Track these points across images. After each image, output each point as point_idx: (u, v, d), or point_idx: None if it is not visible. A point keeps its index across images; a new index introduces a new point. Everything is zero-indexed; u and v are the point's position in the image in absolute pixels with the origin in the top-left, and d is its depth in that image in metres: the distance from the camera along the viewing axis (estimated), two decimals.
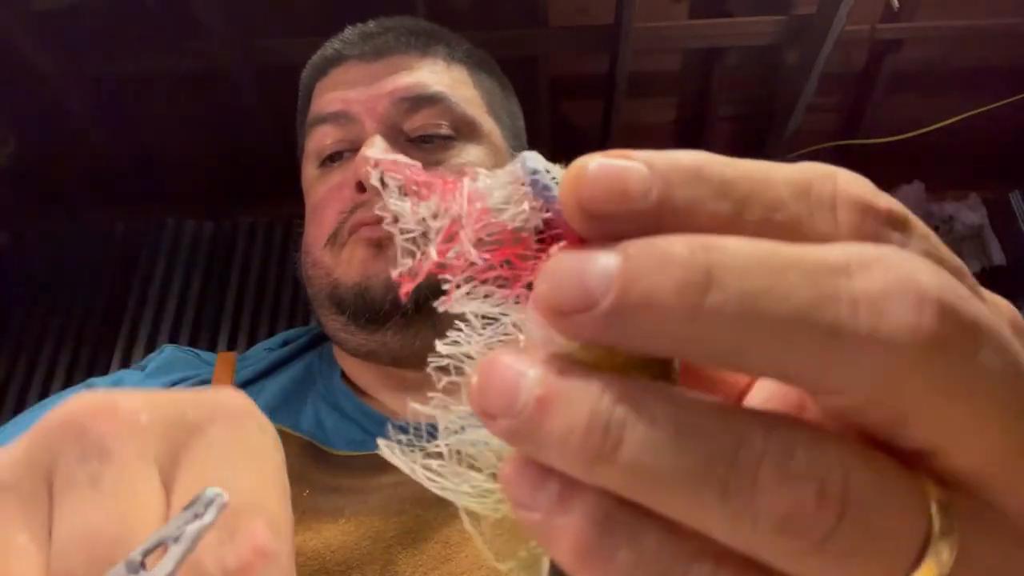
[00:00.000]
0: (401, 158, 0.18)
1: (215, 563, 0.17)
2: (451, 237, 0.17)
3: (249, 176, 2.37)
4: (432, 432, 0.60)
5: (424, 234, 0.17)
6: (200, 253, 2.28)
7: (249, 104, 2.09)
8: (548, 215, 0.16)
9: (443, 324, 0.58)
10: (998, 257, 2.31)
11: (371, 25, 0.66)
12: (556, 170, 0.17)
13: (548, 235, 0.16)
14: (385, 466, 0.53)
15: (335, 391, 0.59)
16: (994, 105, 2.09)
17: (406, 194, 0.18)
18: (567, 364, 0.14)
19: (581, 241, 0.15)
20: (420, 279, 0.17)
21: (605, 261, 0.13)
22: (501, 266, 0.16)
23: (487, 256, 0.16)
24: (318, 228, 0.59)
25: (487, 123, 0.63)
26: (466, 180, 0.17)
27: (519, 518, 0.14)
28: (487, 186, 0.17)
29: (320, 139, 0.61)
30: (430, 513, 0.47)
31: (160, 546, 0.17)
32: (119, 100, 2.11)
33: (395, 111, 0.58)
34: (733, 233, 0.13)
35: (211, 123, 2.24)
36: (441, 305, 0.17)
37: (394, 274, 0.17)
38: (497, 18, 1.89)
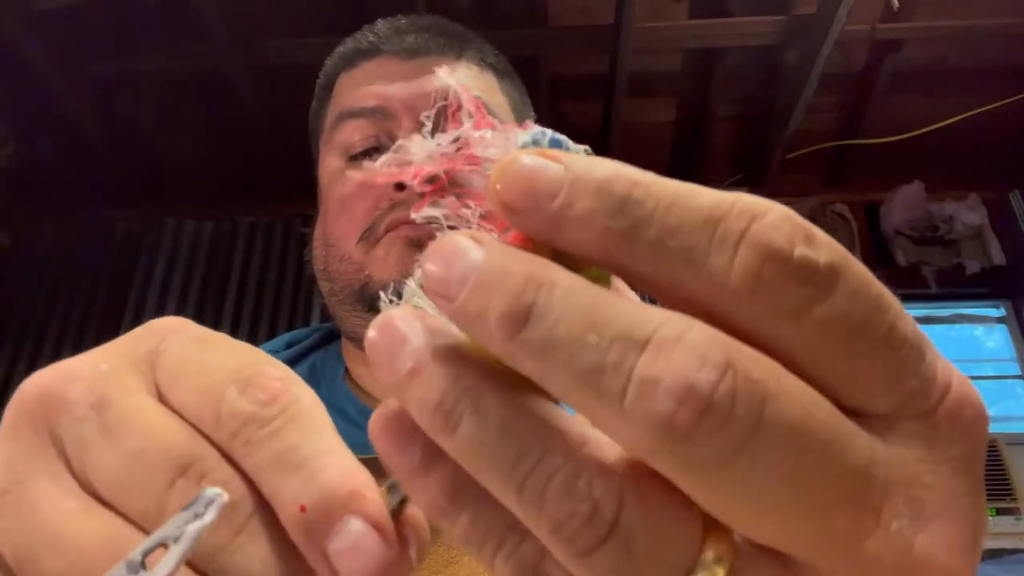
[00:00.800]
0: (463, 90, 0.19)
1: (249, 403, 0.19)
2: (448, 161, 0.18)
3: (249, 176, 2.37)
4: None
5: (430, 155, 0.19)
6: (200, 253, 2.28)
7: (249, 104, 2.09)
8: None
9: None
10: (998, 257, 2.32)
11: (403, 22, 0.65)
12: (573, 146, 0.17)
13: None
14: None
15: (339, 395, 0.59)
16: (994, 105, 2.09)
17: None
18: (445, 342, 0.16)
19: None
20: (404, 178, 0.19)
21: (470, 258, 0.15)
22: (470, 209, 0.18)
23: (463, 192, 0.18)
24: (348, 222, 0.58)
25: None
26: (500, 126, 0.18)
27: (386, 468, 0.17)
28: (492, 137, 0.18)
29: (351, 132, 0.60)
30: None
31: (160, 546, 0.17)
32: (119, 100, 2.12)
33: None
34: (626, 254, 0.15)
35: (211, 123, 2.24)
36: (414, 210, 0.19)
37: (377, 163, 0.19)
38: (497, 18, 1.89)
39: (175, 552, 0.17)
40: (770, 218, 0.15)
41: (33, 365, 2.11)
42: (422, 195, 0.57)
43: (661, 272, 0.15)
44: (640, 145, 2.34)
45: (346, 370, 0.64)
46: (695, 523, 0.15)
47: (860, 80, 2.17)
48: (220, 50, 1.91)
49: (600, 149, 2.69)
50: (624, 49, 1.90)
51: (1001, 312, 2.35)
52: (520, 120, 0.66)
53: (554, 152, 0.16)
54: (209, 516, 0.18)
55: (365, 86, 0.61)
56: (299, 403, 0.19)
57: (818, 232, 0.15)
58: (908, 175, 2.33)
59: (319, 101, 0.68)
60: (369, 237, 0.56)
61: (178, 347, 0.21)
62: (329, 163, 0.62)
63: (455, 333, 0.16)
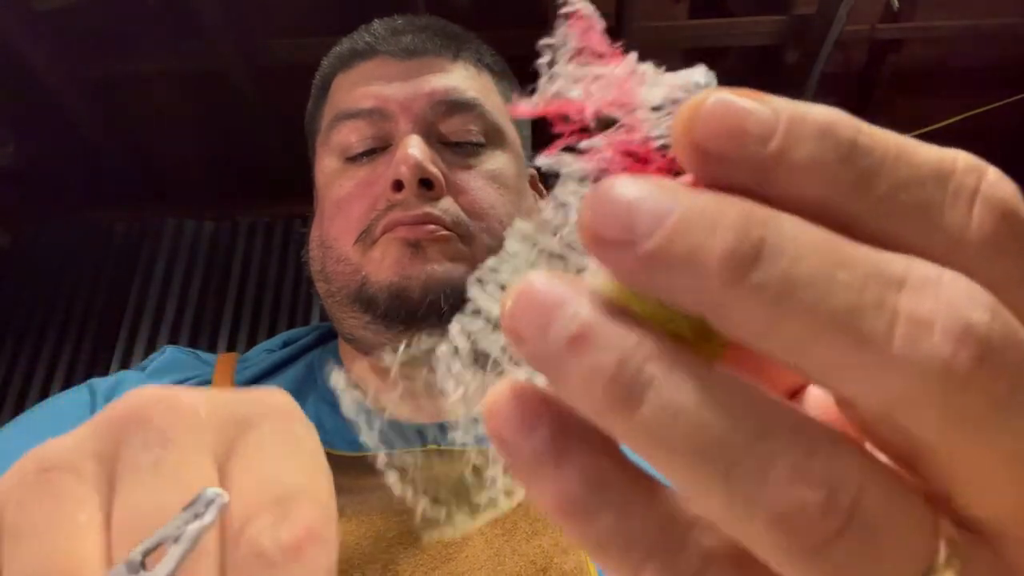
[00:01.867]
0: (587, 8, 0.17)
1: (271, 541, 0.18)
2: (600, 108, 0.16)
3: (249, 176, 2.37)
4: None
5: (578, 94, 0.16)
6: (200, 253, 2.28)
7: (249, 104, 2.09)
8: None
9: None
10: None
11: (399, 22, 0.65)
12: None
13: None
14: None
15: (335, 392, 0.59)
16: (994, 105, 2.09)
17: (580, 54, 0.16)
18: (610, 306, 0.13)
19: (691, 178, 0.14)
20: (550, 109, 0.16)
21: (659, 202, 0.12)
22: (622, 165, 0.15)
23: (617, 143, 0.15)
24: (345, 223, 0.58)
25: (511, 131, 0.63)
26: (642, 66, 0.16)
27: (501, 454, 0.14)
28: (655, 80, 0.15)
29: (348, 134, 0.59)
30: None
31: (160, 546, 0.17)
32: (119, 100, 2.11)
33: (431, 112, 0.58)
34: (853, 205, 0.13)
35: (211, 123, 2.24)
36: (545, 156, 0.16)
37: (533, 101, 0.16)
38: (497, 18, 1.89)
39: (175, 552, 0.17)
40: (994, 176, 0.14)
41: (33, 365, 2.11)
42: (419, 196, 0.57)
43: (891, 227, 0.13)
44: None
45: (344, 370, 0.64)
46: (931, 510, 0.13)
47: (860, 80, 2.17)
48: (220, 50, 1.91)
49: None
50: (624, 49, 1.90)
51: None
52: (518, 122, 0.66)
53: (751, 91, 0.13)
54: (209, 516, 0.18)
55: (362, 87, 0.60)
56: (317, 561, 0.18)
57: None
58: None
59: (315, 102, 0.68)
60: (366, 238, 0.56)
61: (263, 434, 0.20)
62: (326, 164, 0.62)
63: (615, 288, 0.14)
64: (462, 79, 0.61)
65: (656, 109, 0.15)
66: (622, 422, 0.12)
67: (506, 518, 0.46)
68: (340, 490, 0.54)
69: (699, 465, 0.12)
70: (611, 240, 0.13)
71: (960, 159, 0.14)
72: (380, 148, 0.59)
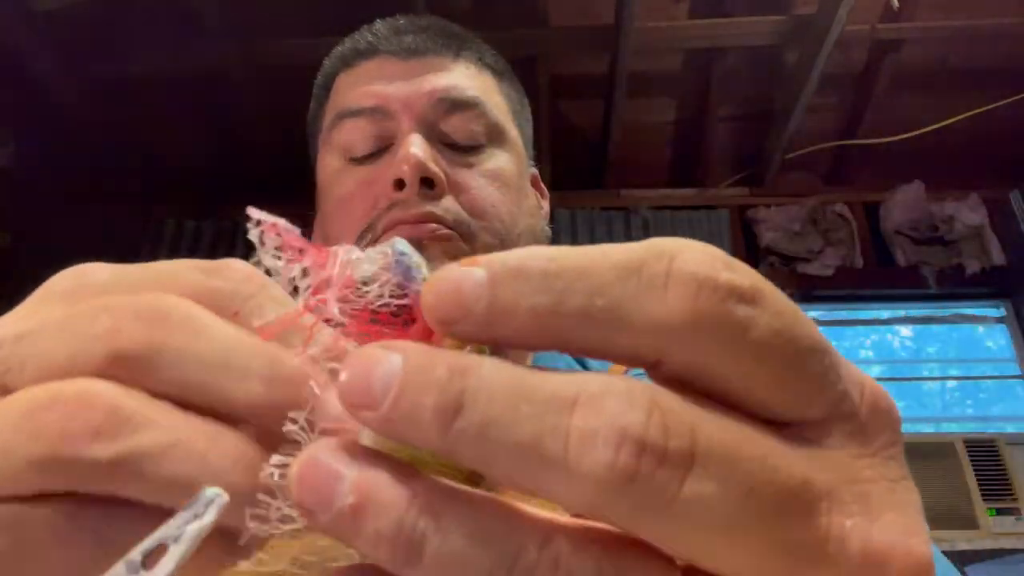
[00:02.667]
0: (281, 221, 0.20)
1: (224, 279, 0.20)
2: (317, 297, 0.18)
3: (249, 176, 2.37)
4: None
5: (295, 290, 0.18)
6: (200, 253, 2.28)
7: (249, 104, 2.09)
8: (406, 300, 0.18)
9: None
10: (998, 257, 2.32)
11: (401, 22, 0.65)
12: (419, 257, 0.18)
13: (406, 316, 0.18)
14: None
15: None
16: (994, 105, 2.09)
17: (281, 255, 0.19)
18: (380, 464, 0.15)
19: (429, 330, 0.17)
20: (279, 331, 0.19)
21: (389, 362, 0.15)
22: (357, 336, 0.18)
23: (345, 321, 0.18)
24: (346, 222, 0.58)
25: (512, 130, 0.63)
26: (340, 249, 0.18)
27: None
28: (358, 259, 0.18)
29: (350, 132, 0.59)
30: None
31: (160, 546, 0.17)
32: (119, 100, 2.12)
33: (432, 111, 0.58)
34: (558, 324, 0.15)
35: (211, 123, 2.24)
36: (296, 354, 0.18)
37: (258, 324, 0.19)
38: (497, 18, 1.89)
39: (175, 552, 0.17)
40: (688, 254, 0.15)
41: None
42: (420, 195, 0.57)
43: (598, 334, 0.15)
44: (640, 145, 2.34)
45: None
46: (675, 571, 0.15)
47: (860, 80, 2.17)
48: (220, 50, 1.91)
49: (600, 149, 2.68)
50: (624, 49, 1.90)
51: (1001, 312, 2.35)
52: (519, 120, 0.66)
53: (472, 259, 0.16)
54: (209, 516, 0.18)
55: (363, 86, 0.60)
56: (270, 286, 0.20)
57: (732, 258, 0.15)
58: (908, 175, 2.33)
59: (317, 101, 0.68)
60: (367, 237, 0.56)
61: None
62: (328, 162, 0.62)
63: (374, 437, 0.16)
64: (463, 78, 0.61)
65: (368, 282, 0.18)
66: (412, 571, 0.14)
67: None
68: None
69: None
70: (360, 404, 0.15)
71: (651, 248, 0.15)
72: (382, 147, 0.59)
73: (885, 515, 0.15)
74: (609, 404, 0.14)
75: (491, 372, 0.15)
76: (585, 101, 2.22)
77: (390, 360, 0.15)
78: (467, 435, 0.14)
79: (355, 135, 0.59)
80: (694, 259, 0.15)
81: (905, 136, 2.17)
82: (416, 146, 0.54)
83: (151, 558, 0.17)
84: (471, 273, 0.15)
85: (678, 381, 0.15)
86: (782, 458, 0.14)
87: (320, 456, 0.15)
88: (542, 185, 0.71)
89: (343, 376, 0.15)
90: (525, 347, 0.15)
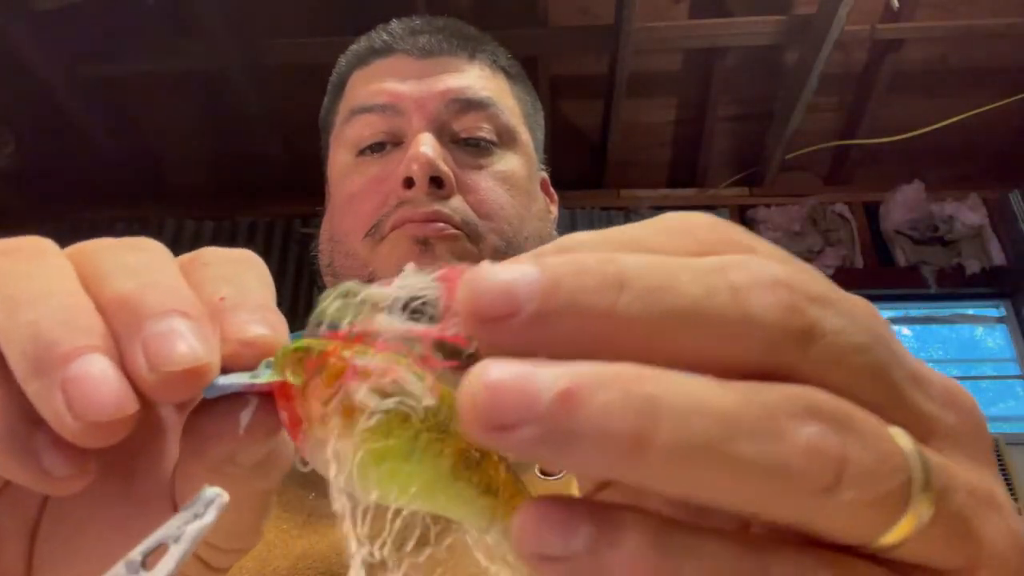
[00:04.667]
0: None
1: (237, 328, 0.20)
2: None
3: (249, 176, 2.37)
4: None
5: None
6: None
7: (249, 104, 2.09)
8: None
9: None
10: (998, 257, 2.32)
11: (417, 22, 0.65)
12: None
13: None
14: None
15: None
16: (994, 105, 2.09)
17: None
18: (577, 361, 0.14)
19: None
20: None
21: (528, 269, 0.14)
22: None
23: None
24: (355, 218, 0.58)
25: (524, 133, 0.63)
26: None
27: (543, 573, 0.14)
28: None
29: (362, 128, 0.59)
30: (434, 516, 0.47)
31: (160, 546, 0.17)
32: (119, 100, 2.12)
33: (445, 111, 0.58)
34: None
35: (211, 123, 2.24)
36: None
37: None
38: (497, 18, 1.89)
39: (175, 552, 0.17)
40: (760, 256, 0.16)
41: None
42: (429, 194, 0.57)
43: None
44: (640, 145, 2.34)
45: None
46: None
47: (860, 80, 2.17)
48: (220, 50, 1.91)
49: (600, 149, 2.68)
50: (624, 49, 1.90)
51: (1001, 312, 2.35)
52: (530, 124, 0.66)
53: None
54: (209, 516, 0.18)
55: (377, 83, 0.61)
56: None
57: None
58: (908, 175, 2.33)
59: (331, 98, 0.68)
60: (375, 234, 0.56)
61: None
62: (339, 158, 0.62)
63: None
64: (477, 79, 0.61)
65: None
66: (648, 452, 0.13)
67: (508, 519, 0.46)
68: None
69: (726, 454, 0.13)
70: (495, 314, 0.14)
71: (664, 217, 0.17)
72: (392, 144, 0.59)
73: (993, 515, 0.16)
74: (751, 264, 0.15)
75: (637, 256, 0.15)
76: (585, 101, 2.22)
77: (519, 266, 0.14)
78: (636, 305, 0.14)
79: (366, 131, 0.59)
80: (702, 215, 0.17)
81: (905, 136, 2.17)
82: (426, 145, 0.54)
83: (151, 558, 0.17)
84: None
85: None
86: (859, 306, 0.16)
87: (495, 368, 0.13)
88: (552, 190, 0.71)
89: (469, 293, 0.14)
90: (570, 353, 0.14)
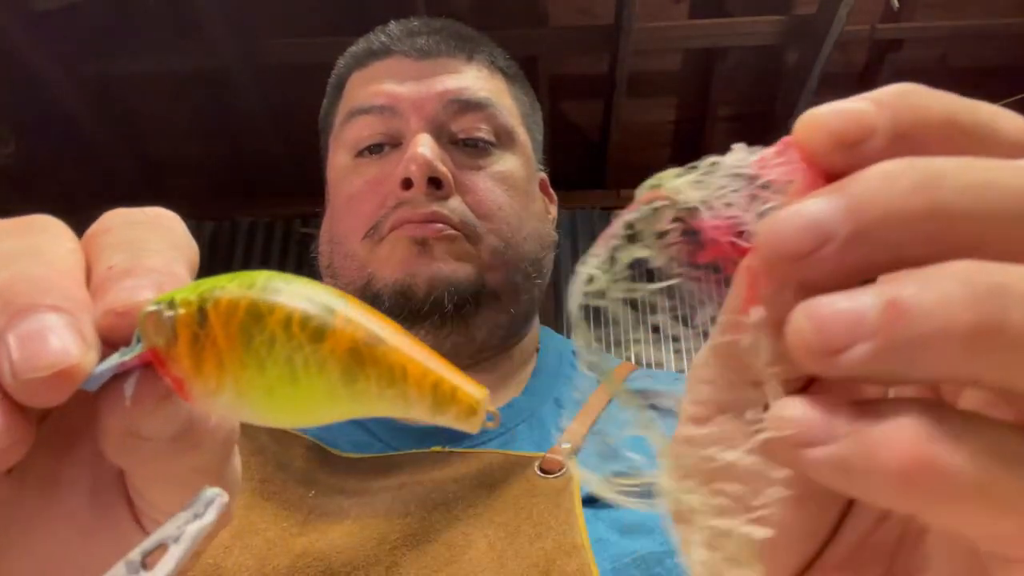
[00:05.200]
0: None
1: (104, 300, 0.19)
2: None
3: (249, 176, 2.37)
4: (456, 434, 0.58)
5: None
6: (200, 253, 2.28)
7: (249, 104, 2.09)
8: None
9: (474, 327, 0.58)
10: None
11: (415, 23, 0.66)
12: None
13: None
14: (389, 468, 0.53)
15: None
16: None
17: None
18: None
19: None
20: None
21: (827, 199, 0.14)
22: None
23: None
24: (354, 220, 0.58)
25: (522, 134, 0.63)
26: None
27: (809, 464, 0.13)
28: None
29: (360, 129, 0.60)
30: (434, 515, 0.47)
31: (160, 547, 0.17)
32: (119, 100, 2.12)
33: (443, 112, 0.58)
34: (956, 131, 0.14)
35: (211, 123, 2.24)
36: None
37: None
38: (497, 18, 1.89)
39: (175, 552, 0.17)
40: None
41: None
42: (427, 195, 0.57)
43: (1016, 230, 0.13)
44: (640, 145, 2.34)
45: None
46: None
47: (860, 80, 2.17)
48: (220, 50, 1.91)
49: (600, 149, 2.67)
50: (624, 49, 1.90)
51: None
52: (529, 124, 0.66)
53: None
54: (209, 516, 0.18)
55: (375, 85, 0.61)
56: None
57: None
58: None
59: (330, 99, 0.68)
60: (374, 235, 0.56)
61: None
62: (338, 160, 0.62)
63: None
64: (475, 80, 0.61)
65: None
66: (1001, 340, 0.12)
67: (509, 521, 0.46)
68: (344, 492, 0.54)
69: None
70: (807, 251, 0.14)
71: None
72: (391, 145, 0.59)
73: None
74: None
75: (950, 158, 0.14)
76: (585, 101, 2.22)
77: (821, 197, 0.14)
78: (957, 202, 0.13)
79: (365, 132, 0.59)
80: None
81: None
82: (424, 146, 0.54)
83: (151, 558, 0.17)
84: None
85: None
86: None
87: (817, 301, 0.13)
88: (551, 190, 0.71)
89: (768, 234, 0.14)
90: (897, 265, 0.13)
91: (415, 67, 0.60)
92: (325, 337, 0.17)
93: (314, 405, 0.17)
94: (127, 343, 0.19)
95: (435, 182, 0.54)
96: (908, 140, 0.14)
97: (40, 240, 0.21)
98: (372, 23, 0.67)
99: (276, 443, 0.53)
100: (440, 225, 0.54)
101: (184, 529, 0.17)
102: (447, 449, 0.53)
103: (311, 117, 0.71)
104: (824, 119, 0.15)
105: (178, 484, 0.22)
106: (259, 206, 2.38)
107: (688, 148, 2.39)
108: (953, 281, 0.12)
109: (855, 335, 0.13)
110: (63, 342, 0.17)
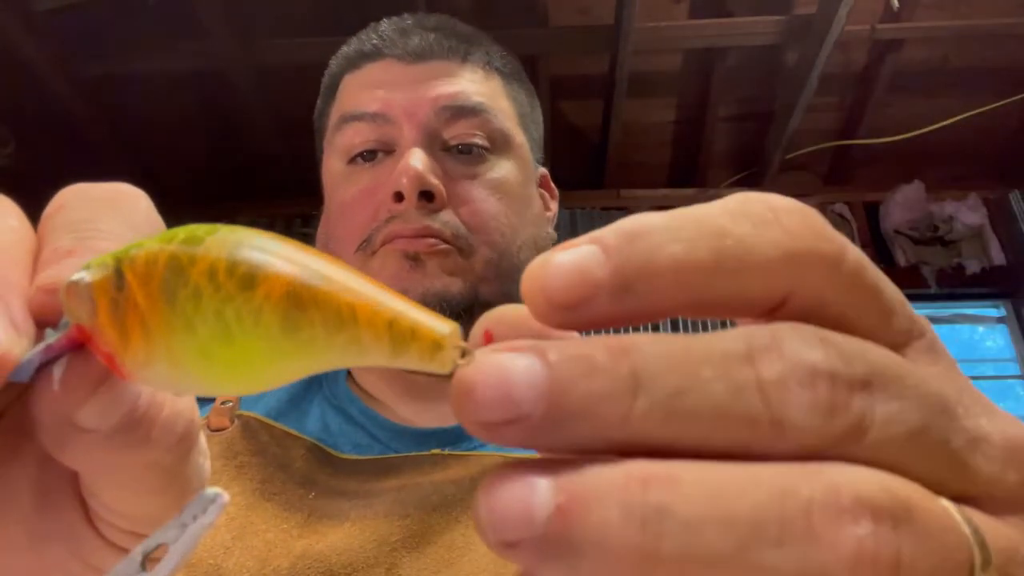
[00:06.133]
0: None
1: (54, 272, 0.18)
2: None
3: (249, 176, 2.37)
4: (455, 437, 0.58)
5: None
6: None
7: (249, 104, 2.09)
8: None
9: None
10: (998, 257, 2.31)
11: (408, 22, 0.64)
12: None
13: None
14: (389, 470, 0.53)
15: (341, 396, 0.59)
16: (994, 105, 2.09)
17: None
18: (583, 459, 0.13)
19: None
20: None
21: (529, 370, 0.13)
22: None
23: None
24: (347, 231, 0.58)
25: (519, 137, 0.62)
26: None
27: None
28: None
29: (352, 136, 0.59)
30: (434, 517, 0.47)
31: (160, 547, 0.17)
32: (119, 100, 2.11)
33: (436, 119, 0.57)
34: (691, 272, 0.14)
35: (211, 123, 2.24)
36: None
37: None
38: (497, 18, 1.89)
39: (175, 552, 0.17)
40: (766, 194, 0.15)
41: None
42: (419, 208, 0.57)
43: (732, 277, 0.14)
44: (640, 145, 2.34)
45: (348, 372, 0.64)
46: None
47: (860, 80, 2.17)
48: (220, 50, 1.91)
49: (600, 149, 2.67)
50: (624, 49, 1.90)
51: (1001, 312, 2.35)
52: (526, 124, 0.65)
53: (565, 243, 0.14)
54: (209, 516, 0.18)
55: (367, 90, 0.60)
56: None
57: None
58: (908, 175, 2.33)
59: (324, 100, 0.67)
60: (366, 248, 0.56)
61: None
62: (332, 165, 0.62)
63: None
64: (469, 84, 0.60)
65: None
66: (652, 564, 0.12)
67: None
68: (344, 494, 0.54)
69: (751, 557, 0.12)
70: (500, 420, 0.13)
71: (737, 196, 0.15)
72: (385, 152, 0.59)
73: (996, 411, 0.16)
74: (786, 348, 0.13)
75: (653, 344, 0.13)
76: (585, 101, 2.22)
77: (523, 360, 0.13)
78: (654, 412, 0.13)
79: (357, 139, 0.59)
80: (782, 200, 0.15)
81: (905, 136, 2.17)
82: (416, 159, 0.54)
83: (151, 558, 0.17)
84: (579, 250, 0.14)
85: (801, 319, 0.14)
86: (919, 373, 0.14)
87: (503, 476, 0.13)
88: (552, 185, 0.71)
89: (464, 402, 0.13)
90: (660, 314, 0.14)
91: (407, 71, 0.60)
92: (257, 283, 0.15)
93: (256, 364, 0.15)
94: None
95: (427, 195, 0.54)
96: (634, 294, 0.14)
97: None
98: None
99: (277, 444, 0.53)
100: (432, 240, 0.54)
101: (184, 529, 0.17)
102: (446, 452, 0.53)
103: (311, 117, 0.71)
104: (544, 280, 0.14)
105: (133, 483, 0.20)
106: (259, 206, 2.38)
107: (688, 148, 2.39)
108: (614, 498, 0.12)
109: (525, 533, 0.12)
110: None
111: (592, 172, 2.42)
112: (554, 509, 0.12)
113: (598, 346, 0.13)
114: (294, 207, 2.28)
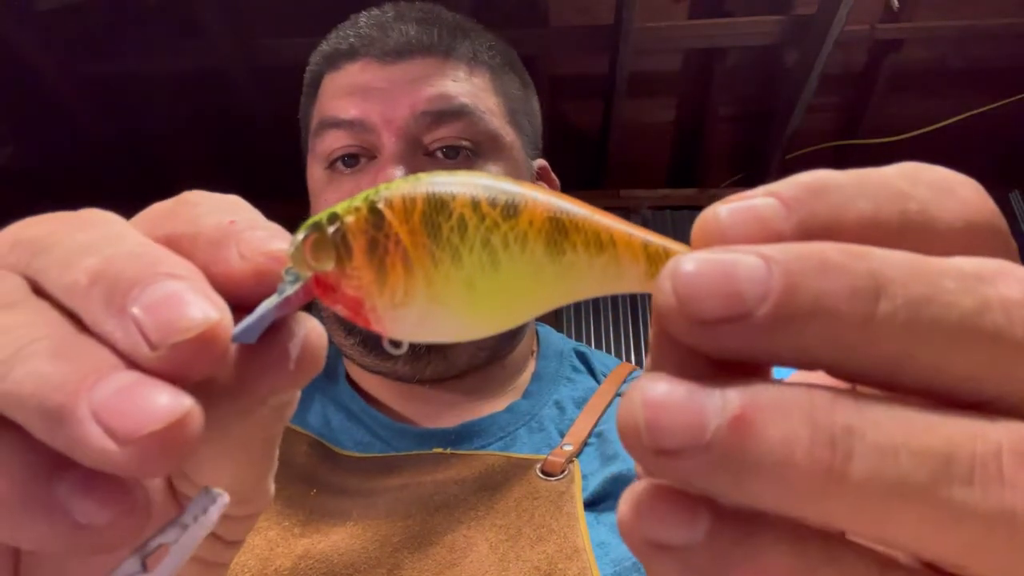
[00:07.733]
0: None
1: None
2: None
3: (249, 176, 2.37)
4: (458, 437, 0.58)
5: None
6: None
7: (249, 104, 2.09)
8: None
9: (453, 355, 0.57)
10: None
11: (389, 15, 0.62)
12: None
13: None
14: (391, 469, 0.53)
15: (342, 393, 0.59)
16: (994, 105, 2.09)
17: None
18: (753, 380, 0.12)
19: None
20: None
21: (755, 264, 0.12)
22: None
23: None
24: None
25: (509, 135, 0.60)
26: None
27: (654, 561, 0.12)
28: None
29: (332, 142, 0.58)
30: (436, 518, 0.47)
31: (160, 547, 0.17)
32: (119, 99, 2.11)
33: (415, 125, 0.55)
34: (878, 236, 0.13)
35: (211, 123, 2.24)
36: None
37: None
38: (497, 18, 1.89)
39: (175, 553, 0.17)
40: (942, 169, 0.14)
41: None
42: None
43: (916, 238, 0.13)
44: (640, 145, 2.34)
45: (347, 372, 0.64)
46: None
47: (860, 80, 2.17)
48: (220, 50, 1.91)
49: (600, 149, 2.68)
50: (624, 49, 1.90)
51: None
52: (518, 118, 0.65)
53: (736, 197, 0.14)
54: (210, 516, 0.18)
55: (344, 96, 0.58)
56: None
57: None
58: None
59: (307, 99, 0.66)
60: None
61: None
62: (313, 171, 0.62)
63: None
64: (451, 83, 0.57)
65: None
66: (839, 490, 0.11)
67: (511, 524, 0.46)
68: (347, 492, 0.54)
69: (942, 499, 0.11)
70: (718, 318, 0.12)
71: (904, 164, 0.14)
72: (367, 157, 0.58)
73: None
74: (1018, 274, 0.12)
75: (888, 251, 0.12)
76: (585, 101, 2.22)
77: (749, 256, 0.12)
78: (898, 317, 0.12)
79: (336, 145, 0.58)
80: (952, 172, 0.15)
81: (905, 136, 2.16)
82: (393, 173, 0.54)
83: (151, 559, 0.17)
84: (754, 200, 0.13)
85: None
86: None
87: (661, 382, 0.12)
88: (552, 176, 0.70)
89: (673, 289, 0.12)
90: (803, 365, 0.12)
91: (386, 73, 0.57)
92: (520, 211, 0.15)
93: (519, 293, 0.15)
94: (257, 302, 0.17)
95: None
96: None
97: (114, 228, 0.20)
98: None
99: None
100: None
101: (185, 529, 0.17)
102: (448, 451, 0.53)
103: None
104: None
105: (239, 452, 0.22)
106: (259, 206, 2.36)
107: (688, 148, 2.39)
108: (801, 414, 0.11)
109: (690, 442, 0.11)
110: (197, 302, 0.15)
111: (592, 172, 2.42)
112: (730, 419, 0.11)
113: (829, 246, 0.12)
114: (294, 207, 2.27)
